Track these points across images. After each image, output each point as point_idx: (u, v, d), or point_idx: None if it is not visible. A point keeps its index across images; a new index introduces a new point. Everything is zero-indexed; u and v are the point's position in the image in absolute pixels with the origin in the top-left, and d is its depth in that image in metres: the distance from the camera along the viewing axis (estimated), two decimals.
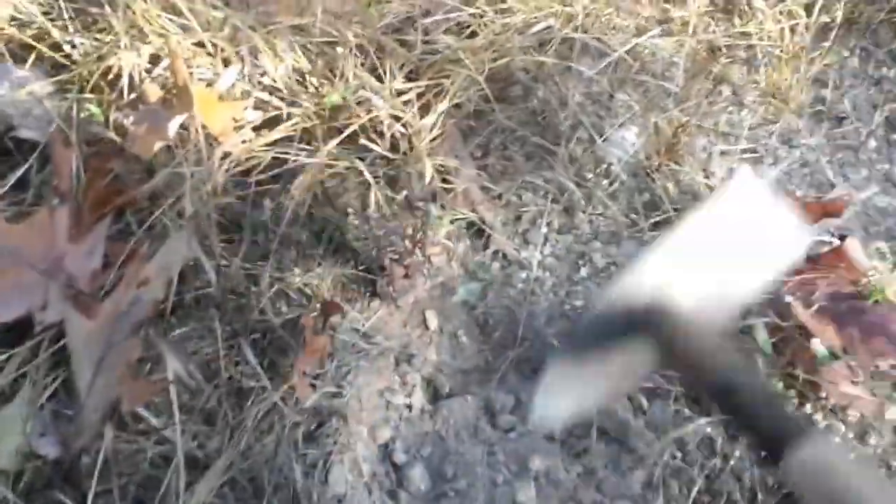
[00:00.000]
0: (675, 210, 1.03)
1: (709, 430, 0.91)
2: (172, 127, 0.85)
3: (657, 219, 1.05)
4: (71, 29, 0.99)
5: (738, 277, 0.71)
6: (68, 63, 0.98)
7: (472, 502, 0.88)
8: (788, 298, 0.98)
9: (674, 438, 0.89)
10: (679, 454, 0.90)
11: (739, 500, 0.84)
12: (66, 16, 0.99)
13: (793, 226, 0.70)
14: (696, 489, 0.85)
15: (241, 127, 0.91)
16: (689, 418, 0.93)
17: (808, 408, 0.94)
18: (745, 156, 1.12)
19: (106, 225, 0.86)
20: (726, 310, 0.72)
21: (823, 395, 0.93)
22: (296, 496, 0.83)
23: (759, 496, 0.84)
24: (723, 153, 1.12)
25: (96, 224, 0.86)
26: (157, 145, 0.85)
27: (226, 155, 0.88)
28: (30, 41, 1.00)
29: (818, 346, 0.95)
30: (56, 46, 1.01)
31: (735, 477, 0.87)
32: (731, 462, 0.87)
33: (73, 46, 0.98)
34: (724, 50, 1.16)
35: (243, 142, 0.89)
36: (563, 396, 0.68)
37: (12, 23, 1.01)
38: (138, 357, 0.77)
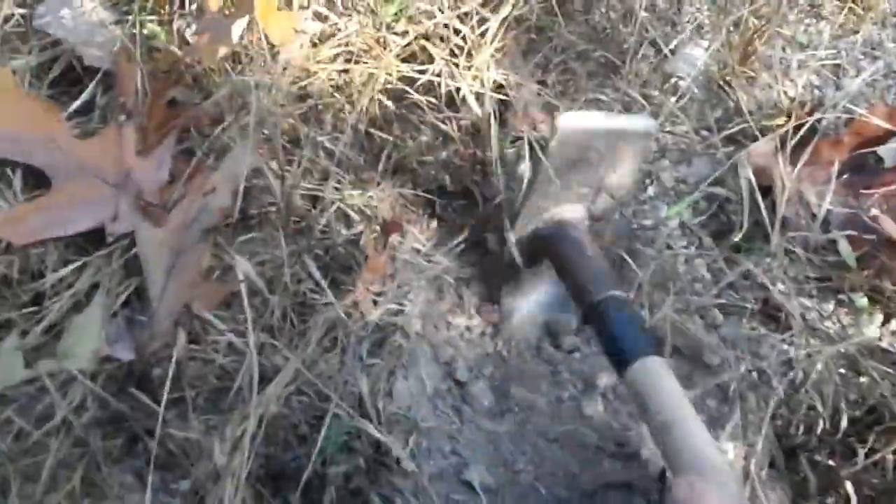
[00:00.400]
0: (752, 121, 0.98)
1: (786, 346, 0.88)
2: (235, 31, 0.84)
3: (731, 131, 1.00)
4: None
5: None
6: None
7: (537, 416, 0.87)
8: (874, 211, 0.93)
9: (750, 352, 0.86)
10: (755, 370, 0.87)
11: (821, 412, 0.81)
12: None
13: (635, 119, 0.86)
14: (773, 402, 0.82)
15: (302, 37, 0.90)
16: (765, 335, 0.90)
17: (894, 324, 0.89)
18: (826, 64, 1.05)
19: (173, 139, 0.86)
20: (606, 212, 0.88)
21: None
22: (362, 406, 0.83)
23: (843, 407, 0.80)
24: (801, 64, 1.06)
25: (162, 140, 0.86)
26: (221, 52, 0.85)
27: (287, 65, 0.87)
28: None
29: None
30: None
31: (816, 391, 0.83)
32: (812, 376, 0.83)
33: None
34: None
35: (304, 54, 0.88)
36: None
37: None
38: (208, 264, 0.78)
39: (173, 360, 0.70)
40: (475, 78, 0.96)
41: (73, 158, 0.85)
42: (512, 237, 0.86)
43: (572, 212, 0.87)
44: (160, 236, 0.78)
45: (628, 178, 0.86)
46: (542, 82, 1.04)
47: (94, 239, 0.83)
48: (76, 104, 0.94)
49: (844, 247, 0.90)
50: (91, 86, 0.95)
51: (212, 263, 0.81)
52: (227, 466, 0.71)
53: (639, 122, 0.86)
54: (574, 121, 0.80)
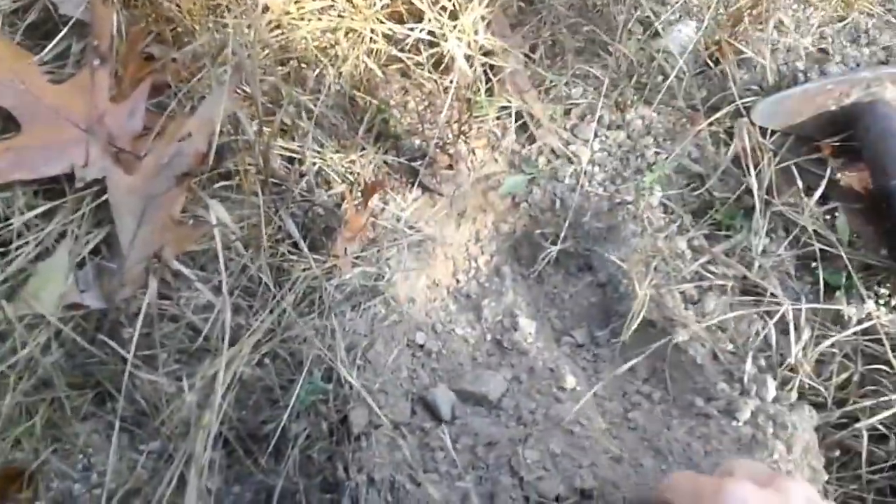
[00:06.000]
0: (738, 101, 0.97)
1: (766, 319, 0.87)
2: None
3: (717, 112, 0.99)
4: None
5: None
6: None
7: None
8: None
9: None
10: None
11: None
12: None
13: None
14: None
15: None
16: (744, 311, 0.89)
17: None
18: (812, 50, 1.06)
19: (147, 86, 0.83)
20: None
21: None
22: (336, 371, 0.81)
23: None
24: (789, 48, 1.06)
25: (137, 86, 0.83)
26: None
27: (266, 9, 0.84)
28: None
29: None
30: None
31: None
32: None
33: None
34: None
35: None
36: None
37: None
38: (181, 209, 0.75)
39: (144, 303, 0.67)
40: (461, 40, 0.95)
41: (44, 102, 0.82)
42: None
43: (893, 93, 0.92)
44: (132, 182, 0.75)
45: None
46: (530, 53, 1.03)
47: (64, 185, 0.80)
48: (48, 50, 0.91)
49: (842, 221, 0.91)
50: (64, 32, 0.92)
51: (185, 214, 0.78)
52: (196, 421, 0.68)
53: None
54: None
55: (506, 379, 0.88)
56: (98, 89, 0.82)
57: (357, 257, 0.90)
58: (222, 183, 0.84)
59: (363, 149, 0.96)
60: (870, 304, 0.87)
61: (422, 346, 0.90)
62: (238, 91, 0.86)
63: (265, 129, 0.85)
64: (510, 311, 0.93)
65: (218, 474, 0.81)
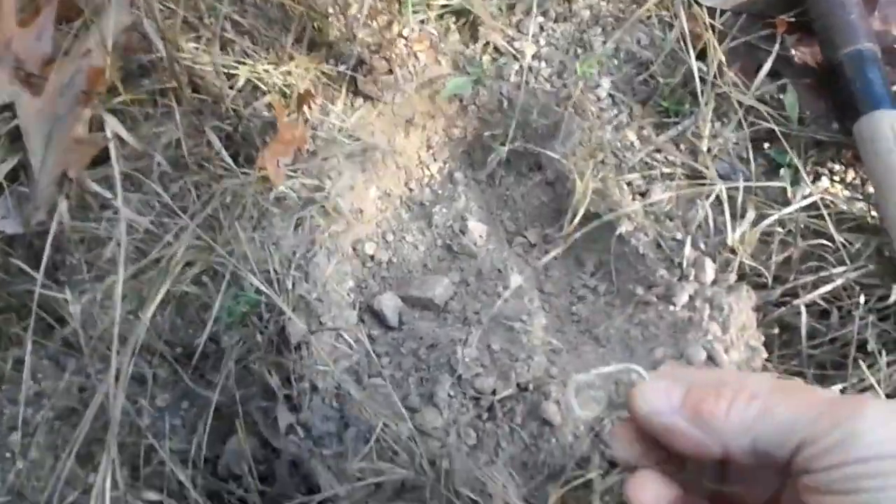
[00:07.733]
0: None
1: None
2: None
3: None
4: None
5: None
6: None
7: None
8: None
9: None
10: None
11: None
12: None
13: None
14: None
15: None
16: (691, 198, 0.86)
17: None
18: None
19: (53, 8, 0.80)
20: None
21: None
22: (273, 282, 0.80)
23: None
24: None
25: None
26: None
27: None
28: None
29: None
30: None
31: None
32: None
33: None
34: None
35: None
36: None
37: None
38: (88, 128, 0.73)
39: (53, 224, 0.66)
40: None
41: None
42: None
43: None
44: (39, 105, 0.73)
45: None
46: None
47: None
48: None
49: (791, 98, 0.86)
50: None
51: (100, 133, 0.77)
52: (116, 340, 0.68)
53: None
54: None
55: (453, 283, 0.87)
56: (4, 14, 0.79)
57: (294, 169, 0.88)
58: (147, 105, 0.82)
59: (294, 59, 0.93)
60: (824, 182, 0.84)
61: (372, 257, 0.89)
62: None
63: (181, 43, 0.82)
64: (461, 215, 0.92)
65: (167, 391, 0.82)
